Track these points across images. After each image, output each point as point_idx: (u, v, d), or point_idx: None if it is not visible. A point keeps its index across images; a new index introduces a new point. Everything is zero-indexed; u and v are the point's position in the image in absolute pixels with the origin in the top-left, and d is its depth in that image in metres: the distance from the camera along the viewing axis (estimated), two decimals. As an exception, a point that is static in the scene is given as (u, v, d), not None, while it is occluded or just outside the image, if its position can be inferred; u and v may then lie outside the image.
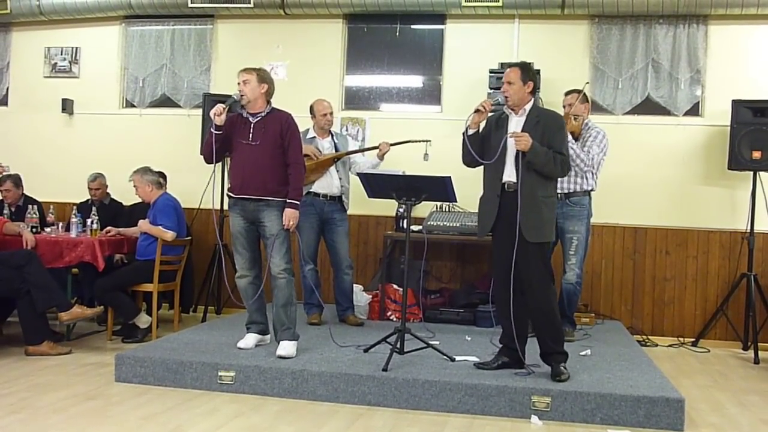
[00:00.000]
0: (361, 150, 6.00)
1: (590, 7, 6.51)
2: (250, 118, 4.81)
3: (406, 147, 5.90)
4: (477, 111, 4.38)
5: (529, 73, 4.38)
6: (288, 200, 4.73)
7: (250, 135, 4.76)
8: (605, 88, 6.74)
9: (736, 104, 6.18)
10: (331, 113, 5.89)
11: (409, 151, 5.91)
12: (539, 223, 4.28)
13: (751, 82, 6.46)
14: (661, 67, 6.65)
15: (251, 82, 4.76)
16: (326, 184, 5.70)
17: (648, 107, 6.71)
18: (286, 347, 4.67)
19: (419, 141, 5.76)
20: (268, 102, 4.85)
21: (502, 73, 6.35)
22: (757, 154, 6.07)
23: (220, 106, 4.67)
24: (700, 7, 6.34)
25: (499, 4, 6.56)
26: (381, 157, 5.89)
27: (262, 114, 4.81)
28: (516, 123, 4.38)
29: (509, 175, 4.33)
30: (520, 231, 4.22)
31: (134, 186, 6.04)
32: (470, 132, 4.42)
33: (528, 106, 4.40)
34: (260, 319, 4.99)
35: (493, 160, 4.34)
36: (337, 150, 5.87)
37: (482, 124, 4.48)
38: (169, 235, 5.78)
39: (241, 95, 4.76)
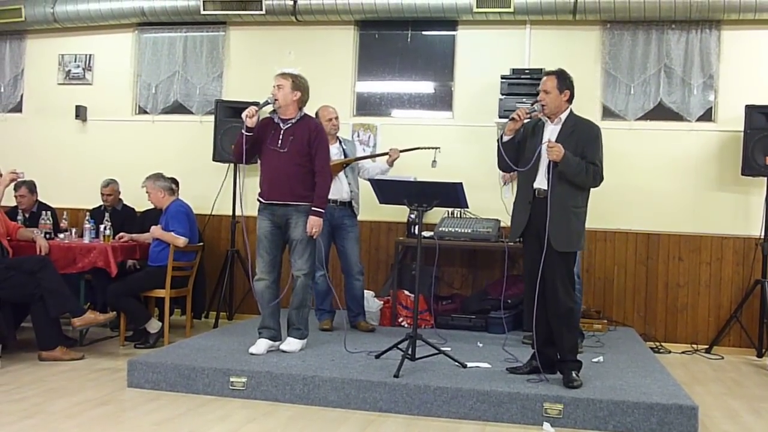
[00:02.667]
0: (371, 156, 6.01)
1: (602, 13, 6.49)
2: (281, 125, 4.92)
3: (416, 153, 5.90)
4: (512, 119, 4.40)
5: (565, 81, 4.37)
6: (312, 208, 4.83)
7: (279, 141, 4.88)
8: (617, 93, 6.72)
9: (750, 109, 6.15)
10: (337, 118, 5.87)
11: (420, 158, 5.91)
12: (567, 232, 4.28)
13: (765, 87, 6.42)
14: (674, 73, 6.62)
15: (285, 88, 4.85)
16: (336, 189, 5.66)
17: (660, 113, 6.68)
18: (292, 343, 4.93)
19: (428, 148, 5.76)
20: (300, 109, 4.95)
21: (514, 79, 6.50)
22: (771, 160, 6.04)
23: (252, 108, 4.77)
24: (713, 12, 6.31)
25: (511, 9, 6.55)
26: (390, 164, 5.90)
27: (293, 121, 4.92)
28: (551, 131, 4.38)
29: (540, 182, 4.34)
30: (549, 239, 4.23)
31: (147, 192, 6.07)
32: (505, 139, 4.44)
33: (564, 115, 4.39)
34: (273, 324, 5.02)
35: (527, 167, 4.35)
36: (345, 156, 5.87)
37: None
38: (181, 241, 5.80)
39: (275, 99, 4.81)
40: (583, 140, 4.30)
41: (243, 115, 4.77)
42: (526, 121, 4.49)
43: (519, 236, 4.47)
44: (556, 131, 4.36)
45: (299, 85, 4.88)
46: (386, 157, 5.90)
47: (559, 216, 4.26)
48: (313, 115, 5.84)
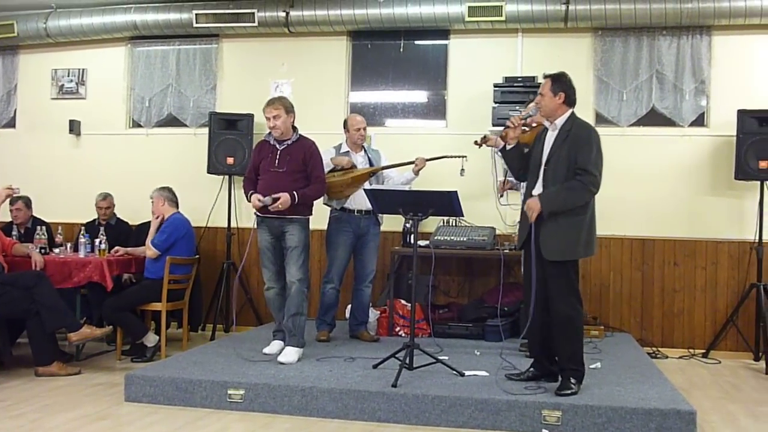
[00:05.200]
0: (397, 165, 5.95)
1: (593, 20, 6.53)
2: (278, 146, 5.12)
3: (442, 162, 5.89)
4: (507, 127, 4.42)
5: (561, 84, 4.34)
6: (296, 191, 4.95)
7: (276, 161, 5.07)
8: (610, 100, 6.74)
9: (742, 114, 6.18)
10: (365, 128, 5.92)
11: (447, 167, 5.91)
12: (559, 242, 4.24)
13: (756, 91, 6.46)
14: (666, 79, 6.65)
15: (281, 116, 5.06)
16: (361, 198, 5.59)
17: (653, 119, 6.70)
18: (288, 354, 4.94)
19: (455, 156, 5.75)
20: (295, 129, 5.15)
21: (507, 87, 6.53)
22: (764, 164, 6.06)
23: (256, 203, 5.01)
24: (704, 17, 6.34)
25: (503, 18, 6.58)
26: (417, 173, 5.90)
27: (289, 142, 5.12)
28: (549, 138, 4.39)
29: (538, 190, 4.35)
30: (541, 248, 4.25)
31: (152, 201, 6.12)
32: (508, 147, 4.47)
33: (561, 120, 4.34)
34: None
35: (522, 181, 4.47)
36: (371, 165, 5.88)
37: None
38: (150, 251, 5.81)
39: (274, 199, 4.96)
40: (575, 145, 4.25)
41: (252, 202, 5.06)
42: (525, 128, 4.51)
43: (521, 246, 4.49)
44: (553, 138, 4.35)
45: (289, 107, 5.12)
46: (412, 166, 5.90)
47: (551, 225, 4.25)
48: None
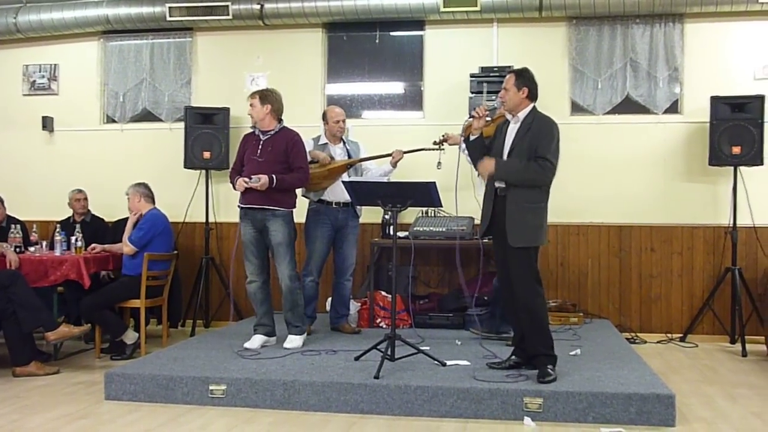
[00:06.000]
0: (375, 157, 5.94)
1: (567, 9, 6.56)
2: (261, 136, 5.23)
3: (418, 154, 5.89)
4: (472, 117, 4.48)
5: (524, 79, 4.43)
6: (274, 174, 5.03)
7: (259, 151, 5.17)
8: (585, 88, 6.78)
9: (715, 101, 6.25)
10: (344, 120, 5.91)
11: (425, 159, 5.90)
12: (522, 228, 4.32)
13: (729, 78, 6.53)
14: (640, 67, 6.70)
15: (255, 106, 5.19)
16: (339, 191, 5.59)
17: (628, 106, 6.76)
18: (293, 340, 5.22)
19: (433, 149, 5.75)
20: (280, 120, 5.24)
21: (483, 77, 6.53)
22: (737, 149, 6.14)
23: (242, 184, 5.10)
24: (676, 5, 6.40)
25: (477, 8, 6.59)
26: (394, 165, 5.90)
27: (271, 133, 5.21)
28: (511, 130, 4.46)
29: (500, 182, 4.39)
30: (506, 235, 4.30)
31: (128, 198, 6.07)
32: (471, 138, 4.52)
33: (523, 113, 4.43)
34: (268, 322, 5.35)
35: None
36: (349, 157, 5.87)
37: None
38: (128, 248, 5.78)
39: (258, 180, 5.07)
40: (536, 137, 4.33)
41: (237, 186, 5.15)
42: (488, 118, 4.56)
43: (484, 234, 4.55)
44: (515, 130, 4.44)
45: (266, 97, 5.20)
46: (390, 158, 5.89)
47: (514, 212, 4.33)
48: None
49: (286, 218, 5.20)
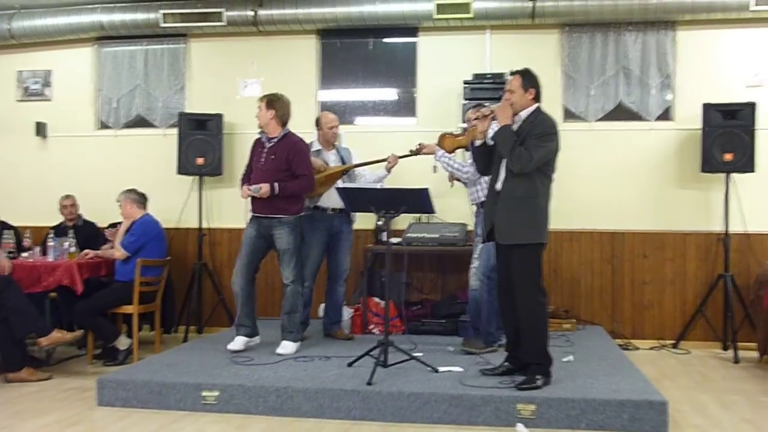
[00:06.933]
0: (370, 162, 5.94)
1: (560, 16, 6.59)
2: (266, 143, 5.28)
3: (411, 160, 5.88)
4: (473, 125, 4.48)
5: (530, 79, 4.38)
6: (276, 181, 5.07)
7: (263, 159, 5.23)
8: (578, 95, 6.81)
9: (707, 108, 6.28)
10: (338, 126, 5.93)
11: (419, 163, 5.91)
12: (512, 224, 4.29)
13: (720, 85, 6.57)
14: (632, 74, 6.73)
15: (261, 110, 5.27)
16: (334, 197, 5.54)
17: (620, 113, 6.78)
18: (286, 346, 5.22)
19: (407, 156, 5.74)
20: (283, 126, 5.28)
21: (476, 83, 6.55)
22: (728, 156, 6.17)
23: (247, 192, 5.20)
24: (668, 13, 6.44)
25: (470, 15, 6.61)
26: (389, 170, 5.87)
27: (276, 139, 5.25)
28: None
29: (500, 182, 4.39)
30: (496, 234, 4.32)
31: (120, 205, 6.05)
32: (477, 143, 4.51)
33: (525, 113, 4.37)
34: (248, 323, 5.36)
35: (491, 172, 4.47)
36: (343, 163, 5.87)
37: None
38: (118, 253, 5.77)
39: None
40: (527, 133, 4.27)
41: (242, 193, 5.25)
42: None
43: (487, 237, 4.51)
44: (515, 130, 4.37)
45: (272, 103, 5.25)
46: (384, 163, 5.87)
47: (506, 209, 4.31)
48: (313, 123, 5.90)
49: (292, 225, 5.22)
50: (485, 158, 4.49)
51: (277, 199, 5.14)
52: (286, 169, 5.19)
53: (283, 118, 5.27)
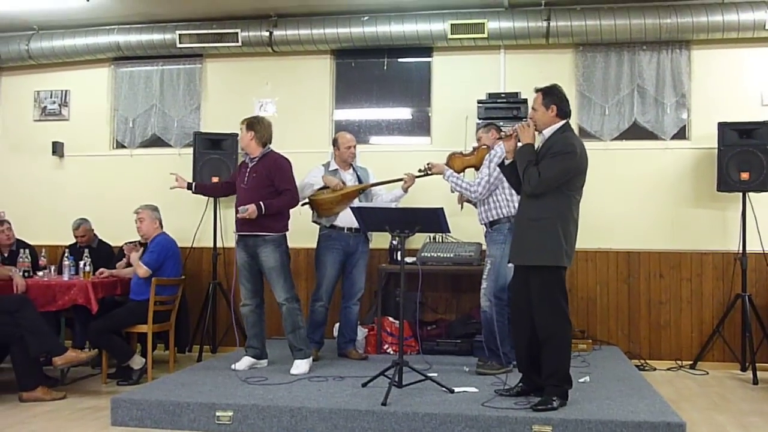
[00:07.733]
0: (387, 182, 5.93)
1: (574, 36, 6.59)
2: (249, 163, 5.33)
3: (426, 179, 5.85)
4: (507, 137, 4.43)
5: (552, 96, 4.33)
6: (261, 200, 5.11)
7: (246, 179, 5.28)
8: (592, 114, 6.80)
9: (722, 127, 6.25)
10: (355, 146, 5.96)
11: (435, 182, 5.88)
12: (523, 245, 4.29)
13: (736, 104, 6.54)
14: (647, 93, 6.72)
15: (242, 132, 5.33)
16: (350, 216, 5.47)
17: (635, 132, 6.77)
18: (299, 366, 5.21)
19: (419, 176, 5.74)
20: (265, 145, 5.33)
21: (491, 103, 6.56)
22: (745, 175, 6.13)
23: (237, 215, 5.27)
24: (683, 32, 6.43)
25: (485, 35, 6.64)
26: (405, 190, 5.85)
27: (257, 159, 5.31)
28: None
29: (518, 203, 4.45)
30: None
31: (140, 218, 6.02)
32: (507, 162, 4.49)
33: (549, 131, 4.33)
34: (257, 344, 5.45)
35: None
36: (360, 182, 5.88)
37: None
38: (142, 270, 5.77)
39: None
40: (545, 152, 4.24)
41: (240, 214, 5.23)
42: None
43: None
44: (538, 148, 4.36)
45: (252, 125, 5.34)
46: (401, 183, 5.85)
47: (518, 229, 4.36)
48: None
49: (276, 243, 5.25)
50: (515, 178, 4.45)
51: (262, 217, 5.16)
52: (269, 185, 5.23)
53: (262, 139, 5.33)
